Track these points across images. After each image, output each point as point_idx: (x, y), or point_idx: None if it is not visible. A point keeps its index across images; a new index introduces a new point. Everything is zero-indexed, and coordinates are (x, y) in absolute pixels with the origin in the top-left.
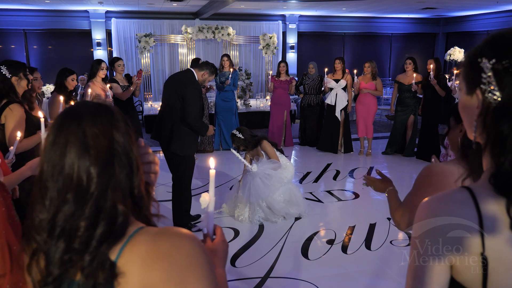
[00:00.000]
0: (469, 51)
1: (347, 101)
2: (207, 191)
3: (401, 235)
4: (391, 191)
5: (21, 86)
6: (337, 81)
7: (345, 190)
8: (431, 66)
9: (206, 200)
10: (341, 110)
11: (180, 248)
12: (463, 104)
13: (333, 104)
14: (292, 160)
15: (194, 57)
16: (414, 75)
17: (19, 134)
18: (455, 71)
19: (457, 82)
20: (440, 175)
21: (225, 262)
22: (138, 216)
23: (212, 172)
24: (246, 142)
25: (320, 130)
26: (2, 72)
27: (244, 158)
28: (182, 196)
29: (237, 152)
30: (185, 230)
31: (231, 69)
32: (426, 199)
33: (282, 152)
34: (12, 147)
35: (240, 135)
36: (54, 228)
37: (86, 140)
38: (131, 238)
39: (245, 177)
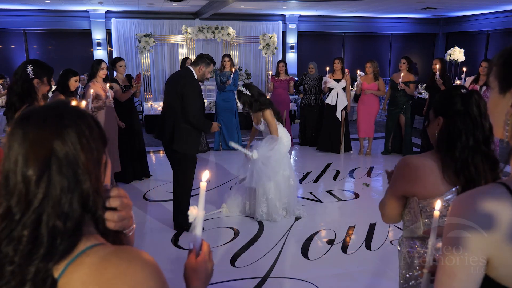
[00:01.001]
0: (503, 51)
1: (347, 100)
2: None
3: (401, 235)
4: None
5: (40, 90)
6: (337, 81)
7: (345, 190)
8: (437, 66)
9: (193, 214)
10: (341, 110)
11: (127, 276)
12: (494, 103)
13: (334, 104)
14: (292, 160)
15: (194, 57)
16: (402, 74)
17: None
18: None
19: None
20: (413, 167)
21: (207, 282)
22: (97, 228)
23: (203, 185)
24: (253, 99)
25: (320, 130)
26: (28, 71)
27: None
28: (183, 196)
29: (236, 144)
30: (142, 255)
31: (233, 69)
32: (461, 195)
33: (281, 121)
34: None
35: (247, 92)
36: (1, 236)
37: (27, 147)
38: (78, 257)
39: (247, 164)
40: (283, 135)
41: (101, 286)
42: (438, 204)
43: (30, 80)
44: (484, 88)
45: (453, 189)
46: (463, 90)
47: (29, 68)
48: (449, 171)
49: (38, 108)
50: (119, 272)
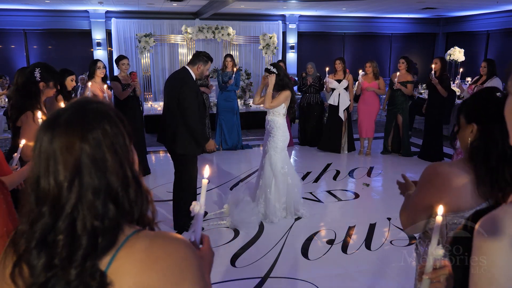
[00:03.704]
0: None
1: (349, 100)
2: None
3: (401, 235)
4: (408, 195)
5: (45, 94)
6: (339, 81)
7: (345, 190)
8: (433, 65)
9: (195, 209)
10: (344, 110)
11: (176, 252)
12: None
13: (336, 104)
14: (292, 160)
15: None
16: (398, 73)
17: (23, 142)
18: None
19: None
20: (444, 176)
21: (210, 270)
22: (132, 219)
23: (205, 181)
24: (279, 77)
25: (320, 129)
26: (35, 74)
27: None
28: (183, 196)
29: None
30: (178, 235)
31: (234, 69)
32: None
33: (292, 112)
34: (16, 154)
35: (274, 70)
36: (31, 240)
37: (55, 153)
38: (125, 244)
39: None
40: (281, 126)
41: (157, 262)
42: (440, 209)
43: (36, 82)
44: (476, 87)
45: (483, 204)
46: (498, 94)
47: (37, 71)
48: (483, 184)
49: (62, 111)
50: (168, 251)
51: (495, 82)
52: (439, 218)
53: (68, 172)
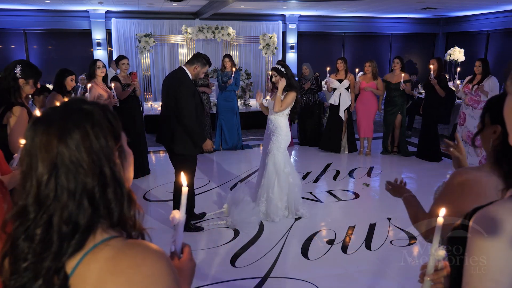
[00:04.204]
0: None
1: (350, 100)
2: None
3: (401, 235)
4: (406, 198)
5: (24, 90)
6: (340, 81)
7: (345, 190)
8: (431, 66)
9: (176, 217)
10: (344, 110)
11: (142, 266)
12: (511, 108)
13: (337, 104)
14: (292, 160)
15: None
16: (402, 74)
17: (23, 142)
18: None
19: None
20: (476, 184)
21: (191, 281)
22: (112, 223)
23: (185, 189)
24: (286, 76)
25: (319, 129)
26: (15, 71)
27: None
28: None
29: None
30: (154, 247)
31: (233, 69)
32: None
33: (294, 113)
34: (16, 154)
35: (283, 69)
36: (19, 231)
37: (36, 150)
38: (92, 250)
39: (264, 156)
40: (284, 126)
41: (117, 276)
42: (442, 211)
43: (16, 79)
44: (475, 87)
45: None
46: None
47: (18, 68)
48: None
49: (49, 111)
50: (134, 263)
51: (492, 81)
52: (440, 220)
53: (45, 170)
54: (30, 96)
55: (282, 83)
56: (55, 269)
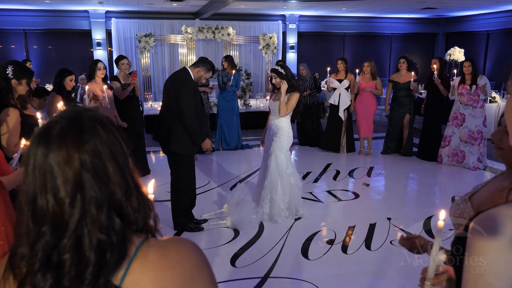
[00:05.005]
0: None
1: (350, 101)
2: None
3: (401, 235)
4: (422, 246)
5: (17, 91)
6: (340, 81)
7: (345, 190)
8: (434, 66)
9: None
10: (344, 110)
11: (188, 255)
12: (511, 108)
13: (337, 104)
14: (292, 160)
15: (194, 57)
16: (413, 73)
17: (23, 142)
18: (455, 71)
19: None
20: None
21: None
22: (137, 229)
23: (151, 197)
24: (286, 78)
25: (318, 129)
26: (7, 71)
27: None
28: (179, 196)
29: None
30: (185, 239)
31: (233, 71)
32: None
33: (296, 114)
34: (16, 154)
35: (282, 70)
36: (34, 262)
37: (52, 168)
38: (137, 255)
39: (265, 155)
40: (287, 127)
41: (173, 270)
42: (442, 214)
43: (8, 79)
44: (474, 87)
45: None
46: None
47: (9, 69)
48: None
49: (53, 123)
50: (182, 255)
51: (485, 80)
52: (440, 223)
53: (69, 188)
54: (30, 97)
55: (284, 86)
56: (103, 286)
